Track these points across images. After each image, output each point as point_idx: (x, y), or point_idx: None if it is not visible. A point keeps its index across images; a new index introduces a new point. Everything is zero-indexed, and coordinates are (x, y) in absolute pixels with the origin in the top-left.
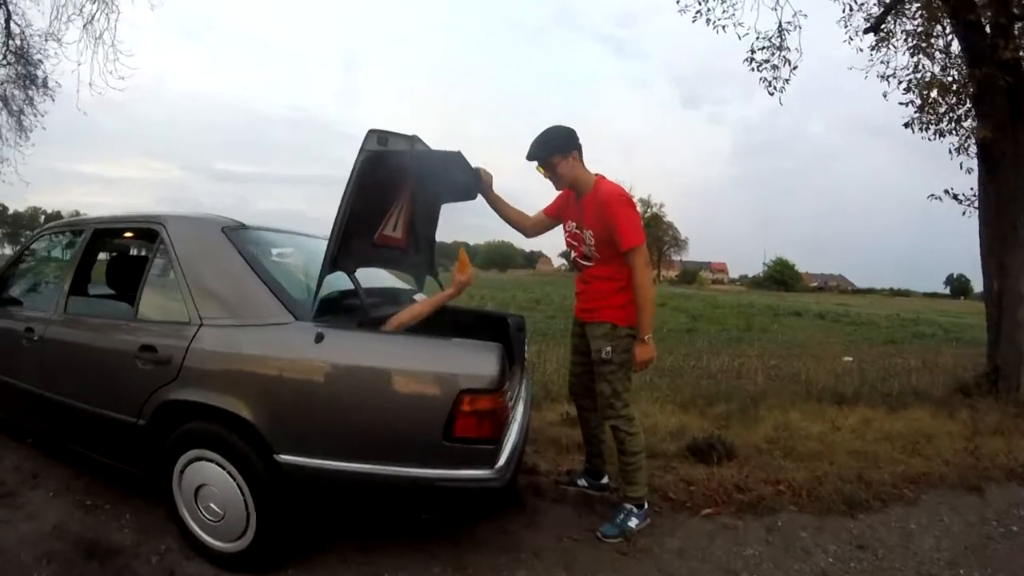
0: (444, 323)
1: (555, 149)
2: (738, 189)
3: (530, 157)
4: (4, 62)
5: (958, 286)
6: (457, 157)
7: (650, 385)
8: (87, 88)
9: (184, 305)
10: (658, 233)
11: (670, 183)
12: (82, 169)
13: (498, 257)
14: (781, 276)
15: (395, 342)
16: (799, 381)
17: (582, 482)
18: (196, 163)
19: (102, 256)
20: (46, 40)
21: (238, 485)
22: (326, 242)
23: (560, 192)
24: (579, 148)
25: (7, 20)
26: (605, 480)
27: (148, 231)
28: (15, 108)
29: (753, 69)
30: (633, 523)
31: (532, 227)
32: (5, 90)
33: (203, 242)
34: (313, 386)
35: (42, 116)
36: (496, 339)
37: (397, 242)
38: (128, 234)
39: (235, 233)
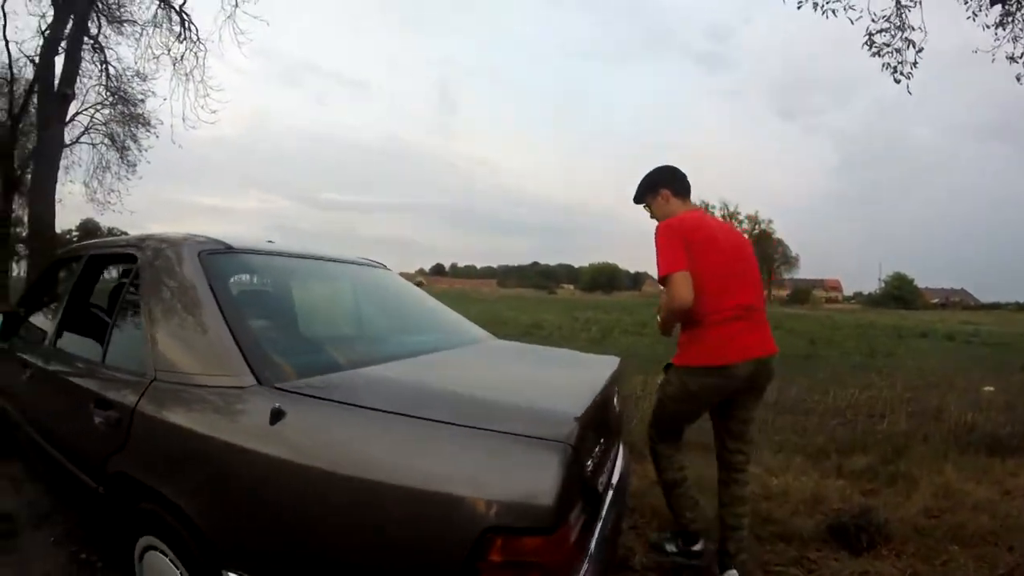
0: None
1: (646, 190)
2: (846, 200)
3: (634, 200)
4: (107, 102)
5: None
6: None
7: (772, 427)
8: (180, 122)
9: (145, 351)
10: (768, 251)
11: (776, 198)
12: (201, 201)
13: (602, 278)
14: (900, 293)
15: (388, 426)
16: (944, 420)
17: (671, 547)
18: (302, 194)
19: (99, 285)
20: (136, 78)
21: None
22: (354, 265)
23: None
24: (671, 186)
25: (104, 63)
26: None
27: (128, 257)
28: (118, 144)
29: (874, 55)
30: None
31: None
32: (111, 129)
33: (173, 270)
34: (264, 487)
35: (145, 151)
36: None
37: None
38: (115, 261)
39: (213, 259)
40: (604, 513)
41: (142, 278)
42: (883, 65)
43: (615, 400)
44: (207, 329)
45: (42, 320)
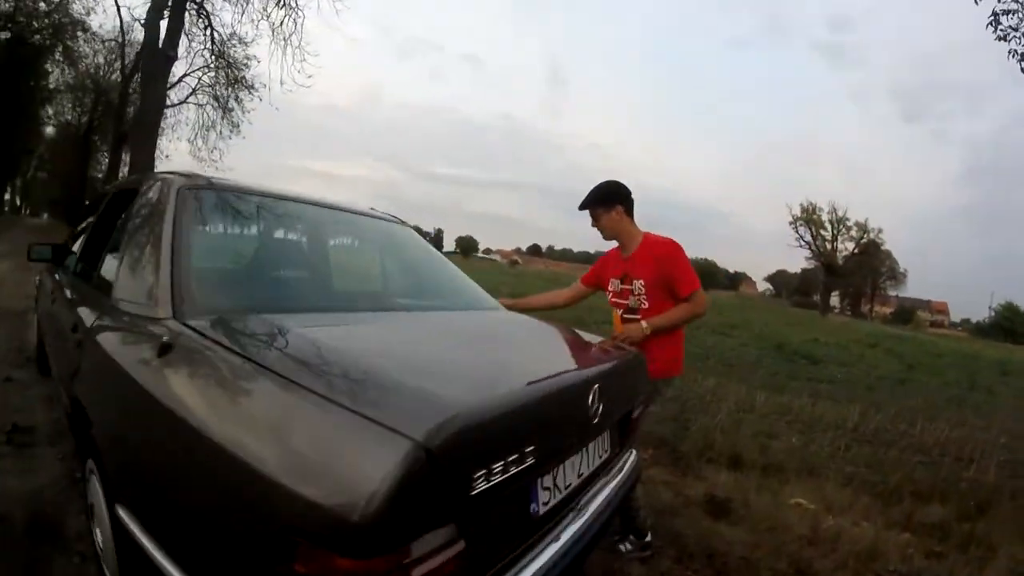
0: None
1: (598, 202)
2: (966, 218)
3: (580, 207)
4: (212, 65)
5: None
6: None
7: (843, 457)
8: (279, 86)
9: (113, 279)
10: (874, 263)
11: (889, 207)
12: (311, 166)
13: (699, 275)
14: (1010, 325)
15: (247, 380)
16: None
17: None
18: (412, 165)
19: (114, 219)
20: (239, 43)
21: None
22: (358, 215)
23: (600, 258)
24: (624, 204)
25: (208, 27)
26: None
27: (132, 193)
28: (222, 104)
29: (999, 39)
30: None
31: (567, 301)
32: (216, 91)
33: (153, 204)
34: (147, 422)
35: (248, 112)
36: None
37: None
38: (129, 197)
39: (190, 194)
40: (551, 543)
41: (133, 211)
42: (1009, 52)
43: (602, 395)
44: (153, 260)
45: (78, 250)
